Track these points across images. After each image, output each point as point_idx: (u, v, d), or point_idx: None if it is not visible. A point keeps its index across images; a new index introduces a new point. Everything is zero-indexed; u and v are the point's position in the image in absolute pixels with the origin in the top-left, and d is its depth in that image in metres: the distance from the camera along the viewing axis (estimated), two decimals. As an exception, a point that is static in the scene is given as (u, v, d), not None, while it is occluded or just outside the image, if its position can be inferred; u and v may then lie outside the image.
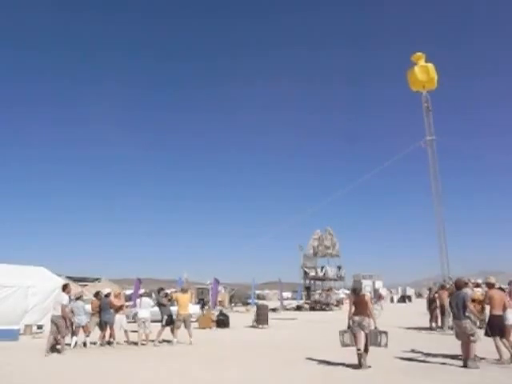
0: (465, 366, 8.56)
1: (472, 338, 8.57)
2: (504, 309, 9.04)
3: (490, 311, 9.16)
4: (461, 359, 8.91)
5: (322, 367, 8.91)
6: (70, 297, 12.20)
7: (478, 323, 9.53)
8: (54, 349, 11.27)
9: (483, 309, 16.34)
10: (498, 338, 8.90)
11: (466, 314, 8.69)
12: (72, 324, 12.25)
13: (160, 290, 14.45)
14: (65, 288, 12.02)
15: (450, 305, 9.29)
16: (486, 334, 9.08)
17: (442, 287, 16.98)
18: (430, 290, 18.99)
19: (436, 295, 17.08)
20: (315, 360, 9.74)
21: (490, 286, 9.69)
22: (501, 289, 10.00)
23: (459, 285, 9.29)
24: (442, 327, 16.02)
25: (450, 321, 16.52)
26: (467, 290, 9.25)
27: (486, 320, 9.54)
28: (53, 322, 11.48)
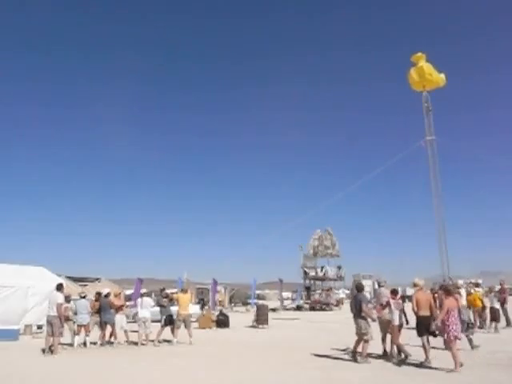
0: (354, 360, 9.29)
1: (365, 338, 9.25)
2: (431, 309, 9.31)
3: (417, 312, 9.30)
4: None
5: (321, 367, 8.90)
6: (65, 296, 12.21)
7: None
8: (52, 349, 11.26)
9: (483, 307, 16.54)
10: (425, 338, 9.10)
11: (362, 314, 9.37)
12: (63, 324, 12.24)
13: (161, 290, 14.45)
14: (60, 287, 12.02)
15: (350, 305, 10.01)
16: (419, 334, 9.25)
17: (441, 287, 16.92)
18: (431, 290, 18.99)
19: (436, 295, 17.06)
20: (315, 360, 9.75)
21: (416, 286, 9.94)
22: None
23: (359, 287, 9.96)
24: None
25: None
26: (382, 291, 10.20)
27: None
28: (48, 322, 11.47)
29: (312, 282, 40.30)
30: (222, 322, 18.75)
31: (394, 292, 10.28)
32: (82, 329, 12.49)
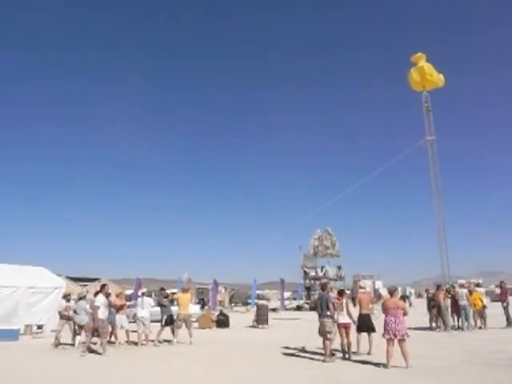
0: (323, 360, 9.42)
1: (329, 336, 9.51)
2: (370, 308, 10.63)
3: (359, 310, 10.52)
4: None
5: (321, 367, 8.90)
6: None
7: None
8: (89, 348, 11.29)
9: (484, 307, 16.57)
10: (362, 334, 10.28)
11: (328, 313, 9.60)
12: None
13: (161, 289, 14.42)
14: (102, 289, 11.98)
15: (316, 305, 10.33)
16: (357, 330, 10.34)
17: (438, 287, 16.91)
18: (426, 290, 19.02)
19: (434, 295, 17.07)
20: (315, 360, 9.75)
21: (361, 288, 11.59)
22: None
23: (324, 287, 10.42)
24: (444, 327, 15.83)
25: (451, 320, 16.48)
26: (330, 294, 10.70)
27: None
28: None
29: (312, 282, 40.31)
30: (222, 321, 18.75)
31: (340, 293, 10.77)
32: (82, 329, 12.48)
